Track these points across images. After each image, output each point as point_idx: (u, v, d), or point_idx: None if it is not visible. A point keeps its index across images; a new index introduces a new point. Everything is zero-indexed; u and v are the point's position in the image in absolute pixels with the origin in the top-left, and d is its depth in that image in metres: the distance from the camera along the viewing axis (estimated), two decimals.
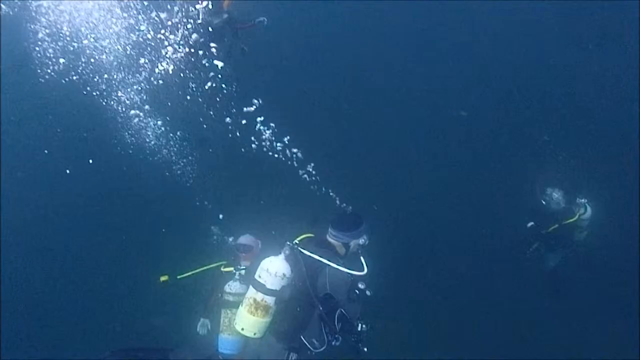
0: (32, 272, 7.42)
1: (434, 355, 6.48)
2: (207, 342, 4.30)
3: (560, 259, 5.66)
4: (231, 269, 4.37)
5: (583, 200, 5.38)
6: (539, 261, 5.81)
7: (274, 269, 3.51)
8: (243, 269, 4.32)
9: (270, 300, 3.50)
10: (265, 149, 5.57)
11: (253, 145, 5.68)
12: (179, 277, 4.45)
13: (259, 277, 3.53)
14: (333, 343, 3.70)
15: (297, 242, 3.75)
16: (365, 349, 3.70)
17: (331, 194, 4.48)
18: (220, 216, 5.60)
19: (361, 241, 3.84)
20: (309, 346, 3.62)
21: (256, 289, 3.52)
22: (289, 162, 5.43)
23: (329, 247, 3.79)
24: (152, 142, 6.81)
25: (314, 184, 5.16)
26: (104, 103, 6.55)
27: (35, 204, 7.97)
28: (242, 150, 6.15)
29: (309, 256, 3.60)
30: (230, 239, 4.89)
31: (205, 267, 4.51)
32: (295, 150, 5.34)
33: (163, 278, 4.46)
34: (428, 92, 8.86)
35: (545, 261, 5.78)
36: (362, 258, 3.83)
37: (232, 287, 4.26)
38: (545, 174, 5.81)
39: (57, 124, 8.08)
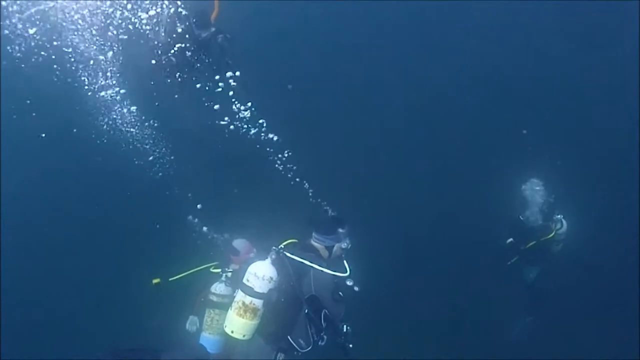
0: (28, 273, 7.42)
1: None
2: (196, 341, 4.30)
3: (540, 270, 5.95)
4: (219, 270, 4.42)
5: (559, 216, 5.65)
6: (518, 273, 6.08)
7: (261, 273, 3.64)
8: (230, 271, 4.35)
9: (258, 303, 3.63)
10: (254, 148, 5.69)
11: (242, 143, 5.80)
12: (170, 279, 4.46)
13: (247, 280, 3.66)
14: (319, 343, 3.84)
15: (283, 246, 3.91)
16: (351, 345, 3.85)
17: (310, 194, 4.57)
18: (199, 206, 5.64)
19: (343, 245, 4.05)
20: (295, 346, 3.74)
21: (245, 292, 3.64)
22: (277, 162, 5.50)
23: (313, 251, 4.00)
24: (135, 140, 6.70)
25: (301, 185, 5.25)
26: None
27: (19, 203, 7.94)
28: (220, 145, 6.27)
29: (294, 259, 3.77)
30: (225, 235, 4.93)
31: (195, 269, 4.53)
32: (285, 150, 5.45)
33: (155, 281, 4.45)
34: (420, 96, 8.81)
35: (524, 274, 6.06)
36: (345, 261, 4.00)
37: (218, 288, 4.28)
38: (523, 191, 6.05)
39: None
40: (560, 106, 8.85)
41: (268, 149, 5.74)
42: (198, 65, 5.70)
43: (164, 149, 6.73)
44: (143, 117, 6.42)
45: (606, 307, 7.29)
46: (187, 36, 5.48)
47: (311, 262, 3.76)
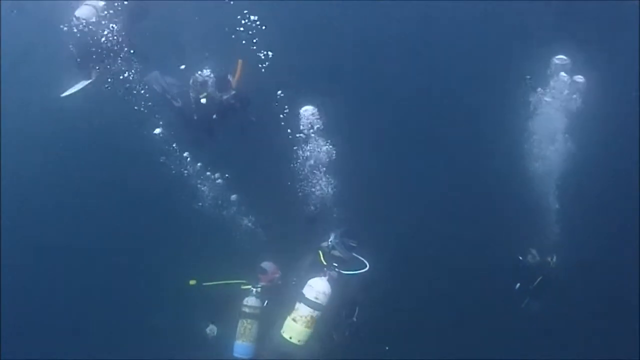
0: (31, 272, 7.42)
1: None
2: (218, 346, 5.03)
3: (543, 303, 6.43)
4: (249, 287, 5.02)
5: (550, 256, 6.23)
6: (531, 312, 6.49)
7: (321, 289, 4.37)
8: (259, 287, 4.99)
9: (316, 314, 4.36)
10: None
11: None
12: (204, 284, 5.05)
13: (316, 298, 4.35)
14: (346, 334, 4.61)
15: (335, 265, 4.64)
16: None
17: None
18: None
19: (353, 243, 4.80)
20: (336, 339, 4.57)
21: (310, 306, 4.35)
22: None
23: (338, 260, 4.71)
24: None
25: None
26: None
27: (32, 202, 7.95)
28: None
29: (343, 273, 4.57)
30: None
31: (229, 282, 5.10)
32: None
33: (192, 282, 5.07)
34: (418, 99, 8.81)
35: (532, 306, 6.49)
36: (360, 257, 4.76)
37: (249, 301, 4.92)
38: (520, 234, 6.61)
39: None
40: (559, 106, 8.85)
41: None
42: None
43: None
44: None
45: (606, 307, 7.30)
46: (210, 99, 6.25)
47: (344, 270, 4.58)
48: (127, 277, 7.18)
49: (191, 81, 6.34)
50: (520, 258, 6.25)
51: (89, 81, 6.45)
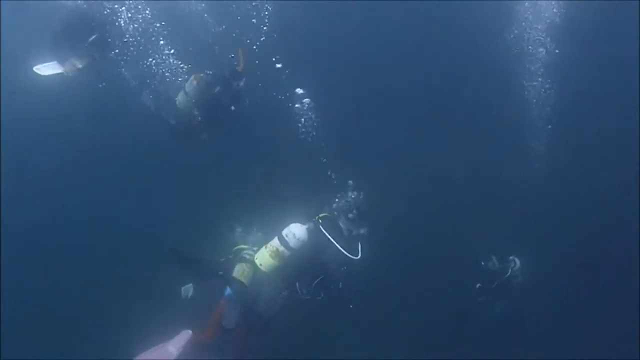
0: (31, 272, 7.40)
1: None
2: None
3: (506, 303, 7.02)
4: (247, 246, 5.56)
5: (511, 257, 6.86)
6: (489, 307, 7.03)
7: (297, 234, 5.02)
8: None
9: (286, 252, 5.01)
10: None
11: None
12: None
13: (286, 235, 5.03)
14: (317, 297, 5.11)
15: (320, 218, 5.17)
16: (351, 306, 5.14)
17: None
18: None
19: (362, 230, 5.22)
20: (299, 291, 5.10)
21: (280, 242, 5.03)
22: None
23: (339, 229, 5.17)
24: None
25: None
26: None
27: (32, 201, 7.94)
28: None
29: (324, 233, 5.02)
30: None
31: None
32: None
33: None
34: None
35: (494, 307, 7.06)
36: (360, 245, 5.15)
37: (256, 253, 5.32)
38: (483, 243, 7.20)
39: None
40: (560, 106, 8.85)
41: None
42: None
43: None
44: None
45: (606, 307, 7.31)
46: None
47: (335, 242, 4.96)
48: (127, 277, 7.17)
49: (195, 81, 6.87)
50: (483, 263, 6.91)
51: (63, 70, 6.73)
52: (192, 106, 6.93)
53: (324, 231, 5.01)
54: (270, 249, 5.03)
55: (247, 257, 5.32)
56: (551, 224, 7.98)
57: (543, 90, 8.42)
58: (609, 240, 7.83)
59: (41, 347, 6.66)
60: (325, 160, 6.17)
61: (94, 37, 6.70)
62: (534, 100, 8.41)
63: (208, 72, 6.95)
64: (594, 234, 7.91)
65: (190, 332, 5.10)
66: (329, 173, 5.86)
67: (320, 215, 5.22)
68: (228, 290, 5.25)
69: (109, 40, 6.90)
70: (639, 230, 7.66)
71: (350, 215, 5.19)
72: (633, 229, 7.77)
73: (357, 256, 5.01)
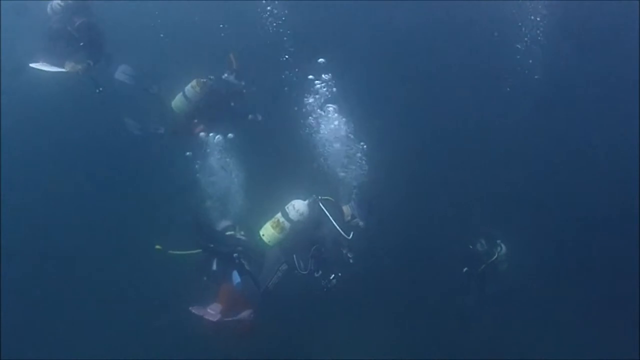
0: (31, 272, 7.41)
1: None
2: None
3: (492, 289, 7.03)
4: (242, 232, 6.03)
5: (498, 241, 6.91)
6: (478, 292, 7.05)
7: (298, 207, 5.48)
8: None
9: (287, 224, 5.43)
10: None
11: None
12: (170, 252, 5.52)
13: (287, 208, 5.49)
14: (315, 274, 5.54)
15: (322, 198, 5.58)
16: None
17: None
18: None
19: (360, 223, 5.74)
20: (296, 265, 5.52)
21: (282, 214, 5.46)
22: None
23: (340, 211, 5.63)
24: None
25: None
26: None
27: (31, 203, 7.94)
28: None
29: (324, 211, 5.48)
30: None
31: (192, 252, 5.67)
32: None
33: (157, 247, 5.45)
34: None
35: (480, 289, 7.06)
36: (352, 231, 5.55)
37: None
38: (471, 225, 7.24)
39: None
40: (558, 107, 8.86)
41: None
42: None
43: None
44: None
45: (606, 307, 7.30)
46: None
47: (333, 219, 5.43)
48: (127, 277, 7.17)
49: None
50: (470, 247, 6.92)
51: (61, 70, 6.78)
52: (191, 110, 6.93)
53: (323, 207, 5.46)
54: (273, 220, 5.46)
55: (243, 238, 5.81)
56: (545, 216, 8.08)
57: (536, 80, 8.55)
58: (604, 235, 7.86)
59: (41, 347, 6.66)
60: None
61: (82, 43, 6.82)
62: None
63: (211, 77, 6.95)
64: (590, 229, 7.95)
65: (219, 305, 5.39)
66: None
67: (323, 197, 5.61)
68: (237, 278, 5.49)
69: (100, 46, 6.98)
70: (637, 227, 7.68)
71: (360, 205, 5.68)
72: (630, 226, 7.82)
73: (348, 236, 5.45)
